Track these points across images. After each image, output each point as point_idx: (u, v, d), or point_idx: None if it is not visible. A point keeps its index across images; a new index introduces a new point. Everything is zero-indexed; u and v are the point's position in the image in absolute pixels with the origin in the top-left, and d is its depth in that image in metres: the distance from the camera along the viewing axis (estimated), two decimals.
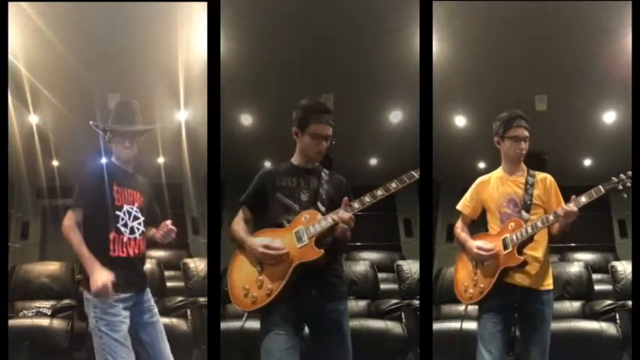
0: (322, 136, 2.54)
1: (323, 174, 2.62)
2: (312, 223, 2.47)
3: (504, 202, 2.86)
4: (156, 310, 2.76)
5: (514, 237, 2.74)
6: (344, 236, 2.48)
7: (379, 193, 2.43)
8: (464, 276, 2.90)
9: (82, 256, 2.54)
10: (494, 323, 2.76)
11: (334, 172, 2.66)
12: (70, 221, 2.59)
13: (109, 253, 2.60)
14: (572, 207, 2.60)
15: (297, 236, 2.46)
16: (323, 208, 2.51)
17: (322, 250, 2.41)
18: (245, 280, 2.46)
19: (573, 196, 2.62)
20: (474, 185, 2.99)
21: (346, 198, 2.43)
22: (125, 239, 2.64)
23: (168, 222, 2.76)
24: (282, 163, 2.65)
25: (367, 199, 2.43)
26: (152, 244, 2.90)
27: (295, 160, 2.64)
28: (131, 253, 2.66)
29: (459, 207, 3.01)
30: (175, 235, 2.77)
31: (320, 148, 2.54)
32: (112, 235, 2.62)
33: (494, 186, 2.91)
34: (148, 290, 2.78)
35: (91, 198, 2.62)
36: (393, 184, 2.44)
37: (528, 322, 2.80)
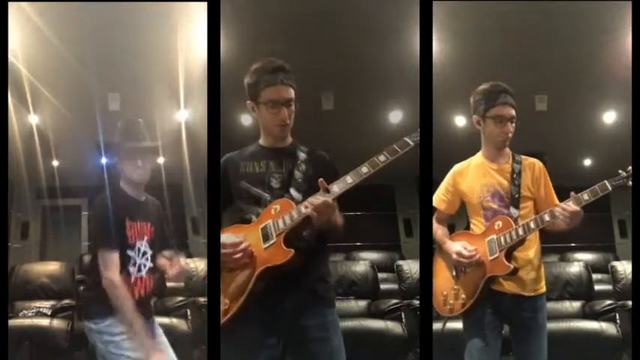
0: (279, 100, 2.00)
1: (299, 153, 2.09)
2: (283, 215, 1.95)
3: (488, 196, 2.42)
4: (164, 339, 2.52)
5: (502, 239, 2.33)
6: (327, 227, 1.93)
7: (364, 170, 1.90)
8: (442, 283, 2.47)
9: (135, 330, 2.20)
10: (482, 337, 2.38)
11: (316, 149, 2.15)
12: (114, 273, 2.20)
13: None
14: (574, 207, 2.19)
15: (264, 233, 1.94)
16: (298, 195, 1.99)
17: (291, 251, 1.89)
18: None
19: (572, 193, 2.23)
20: (449, 174, 2.55)
21: (321, 180, 1.87)
22: (132, 280, 2.30)
23: (183, 260, 2.45)
24: (249, 145, 2.17)
25: (349, 179, 1.89)
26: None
27: (263, 140, 2.14)
28: (136, 294, 2.31)
29: (433, 202, 2.58)
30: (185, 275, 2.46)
31: (281, 117, 2.01)
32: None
33: (474, 175, 2.47)
34: (155, 322, 2.52)
35: (111, 235, 2.25)
36: (382, 157, 1.91)
37: (523, 334, 2.42)
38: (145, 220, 2.41)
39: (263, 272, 1.91)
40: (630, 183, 2.22)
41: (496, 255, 2.33)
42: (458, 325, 2.55)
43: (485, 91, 2.43)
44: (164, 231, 2.58)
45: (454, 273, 2.45)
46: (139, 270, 2.34)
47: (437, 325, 2.77)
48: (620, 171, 2.25)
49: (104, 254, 2.23)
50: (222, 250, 1.93)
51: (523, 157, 2.47)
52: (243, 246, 1.93)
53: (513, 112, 2.38)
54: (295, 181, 2.04)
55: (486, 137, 2.46)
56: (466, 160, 2.55)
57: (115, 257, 2.23)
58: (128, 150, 2.35)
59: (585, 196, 2.22)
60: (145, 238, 2.39)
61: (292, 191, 2.02)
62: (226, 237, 1.96)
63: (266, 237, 1.94)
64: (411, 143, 1.92)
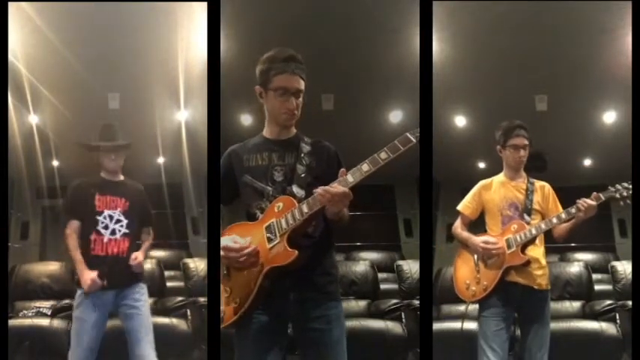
0: (289, 89, 2.02)
1: (303, 145, 2.10)
2: (285, 213, 1.96)
3: (506, 206, 2.95)
4: (141, 303, 3.05)
5: (517, 237, 2.85)
6: (337, 217, 1.95)
7: (365, 168, 1.89)
8: (465, 273, 2.96)
9: (75, 260, 2.98)
10: (496, 321, 2.83)
11: (320, 140, 2.15)
12: (69, 229, 3.04)
13: (90, 252, 3.00)
14: (592, 201, 2.69)
15: (268, 232, 1.97)
16: (300, 192, 2.01)
17: (295, 252, 1.91)
18: None
19: (594, 193, 2.72)
20: (476, 187, 3.07)
21: (343, 170, 1.90)
22: (105, 240, 3.01)
23: (141, 253, 3.10)
24: (253, 137, 2.18)
25: (350, 178, 1.88)
26: (152, 245, 3.24)
27: (266, 131, 2.14)
28: (109, 251, 3.00)
29: (459, 208, 3.07)
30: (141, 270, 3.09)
31: (289, 106, 2.03)
32: (92, 237, 3.01)
33: (496, 189, 3.01)
34: (140, 286, 3.09)
35: (76, 207, 3.08)
36: (383, 155, 1.89)
37: (530, 322, 2.88)
38: (116, 195, 3.10)
39: (269, 272, 1.95)
40: (618, 196, 2.72)
41: (513, 249, 2.84)
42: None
43: (504, 127, 2.96)
44: (144, 209, 3.23)
45: (477, 266, 2.90)
46: (113, 233, 3.02)
47: (437, 325, 2.77)
48: (609, 187, 2.74)
49: (66, 220, 3.06)
50: (229, 254, 1.97)
51: (535, 180, 3.00)
52: (248, 250, 1.96)
53: (526, 141, 2.94)
54: (298, 177, 2.04)
55: (506, 162, 3.00)
56: (490, 178, 3.06)
57: (73, 222, 3.05)
58: (104, 148, 3.09)
59: (602, 196, 2.74)
60: (119, 209, 3.07)
61: (294, 188, 2.02)
62: (232, 239, 1.99)
63: (270, 237, 1.97)
64: (413, 140, 1.89)
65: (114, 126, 3.20)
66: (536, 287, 2.87)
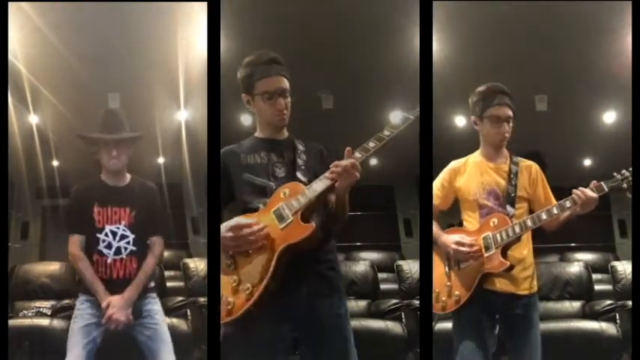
0: (275, 92, 2.03)
1: (298, 145, 2.11)
2: (295, 196, 1.93)
3: (484, 194, 2.42)
4: (158, 316, 2.69)
5: (498, 237, 2.32)
6: (340, 205, 1.95)
7: (371, 145, 1.95)
8: (434, 280, 2.46)
9: (94, 289, 2.53)
10: (475, 339, 2.36)
11: (312, 142, 2.17)
12: (76, 249, 2.57)
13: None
14: (592, 193, 2.22)
15: (277, 215, 1.92)
16: (305, 179, 2.00)
17: (312, 225, 1.87)
18: (222, 283, 1.95)
19: (594, 182, 2.26)
20: (445, 171, 2.56)
21: (349, 148, 1.92)
22: (109, 261, 2.56)
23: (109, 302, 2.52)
24: (246, 139, 2.16)
25: (358, 154, 1.91)
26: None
27: (260, 133, 2.15)
28: (114, 275, 2.56)
29: None
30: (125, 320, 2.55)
31: (279, 107, 2.04)
32: (94, 258, 2.57)
33: (471, 173, 2.48)
34: (151, 297, 2.70)
35: (77, 221, 2.61)
36: (386, 132, 1.98)
37: (515, 332, 2.41)
38: (120, 205, 2.61)
39: (284, 251, 1.88)
40: (625, 185, 2.24)
41: (492, 252, 2.33)
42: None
43: (482, 92, 2.46)
44: (151, 213, 2.69)
45: (447, 269, 2.44)
46: (118, 252, 2.56)
47: (437, 325, 2.77)
48: (615, 173, 2.27)
49: (69, 236, 2.58)
50: (240, 232, 1.88)
51: (520, 158, 2.48)
52: (257, 227, 1.89)
53: (510, 113, 2.41)
54: (300, 167, 2.04)
55: (484, 137, 2.49)
56: (463, 158, 2.56)
57: (75, 238, 2.57)
58: (104, 142, 2.59)
59: (605, 186, 2.25)
60: (123, 222, 2.59)
61: (299, 175, 2.01)
62: (237, 219, 1.93)
63: (281, 218, 1.91)
64: (411, 117, 2.00)
65: (118, 114, 2.74)
66: (520, 293, 2.37)
